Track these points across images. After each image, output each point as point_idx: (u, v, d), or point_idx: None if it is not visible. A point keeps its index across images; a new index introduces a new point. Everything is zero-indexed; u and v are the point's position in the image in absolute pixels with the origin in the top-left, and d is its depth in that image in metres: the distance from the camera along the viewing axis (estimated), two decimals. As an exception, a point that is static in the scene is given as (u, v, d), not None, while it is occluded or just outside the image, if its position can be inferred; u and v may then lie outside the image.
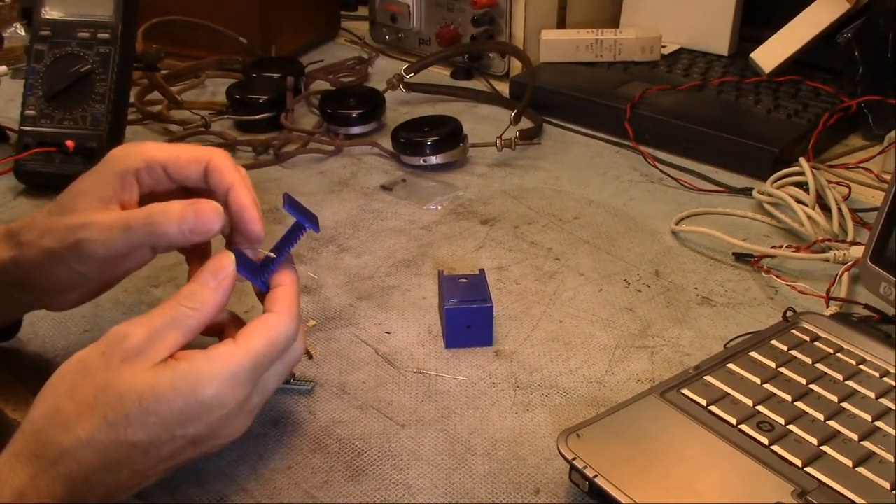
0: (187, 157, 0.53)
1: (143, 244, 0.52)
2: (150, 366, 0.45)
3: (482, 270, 0.64)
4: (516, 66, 1.08)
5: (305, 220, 0.53)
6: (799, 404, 0.51)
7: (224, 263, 0.49)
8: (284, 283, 0.51)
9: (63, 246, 0.51)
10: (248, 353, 0.46)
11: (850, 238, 0.73)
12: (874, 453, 0.47)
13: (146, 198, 0.54)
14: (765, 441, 0.48)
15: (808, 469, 0.46)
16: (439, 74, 1.14)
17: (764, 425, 0.49)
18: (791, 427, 0.49)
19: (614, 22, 1.17)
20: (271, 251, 0.53)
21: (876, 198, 0.81)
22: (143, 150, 0.53)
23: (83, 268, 0.52)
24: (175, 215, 0.50)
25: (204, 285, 0.48)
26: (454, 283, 0.63)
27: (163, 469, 0.46)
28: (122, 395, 0.43)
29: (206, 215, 0.50)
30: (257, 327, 0.48)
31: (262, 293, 0.52)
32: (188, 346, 0.47)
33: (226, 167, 0.53)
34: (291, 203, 0.52)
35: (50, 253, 0.52)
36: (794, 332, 0.57)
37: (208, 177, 0.53)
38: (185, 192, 0.54)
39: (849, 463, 0.46)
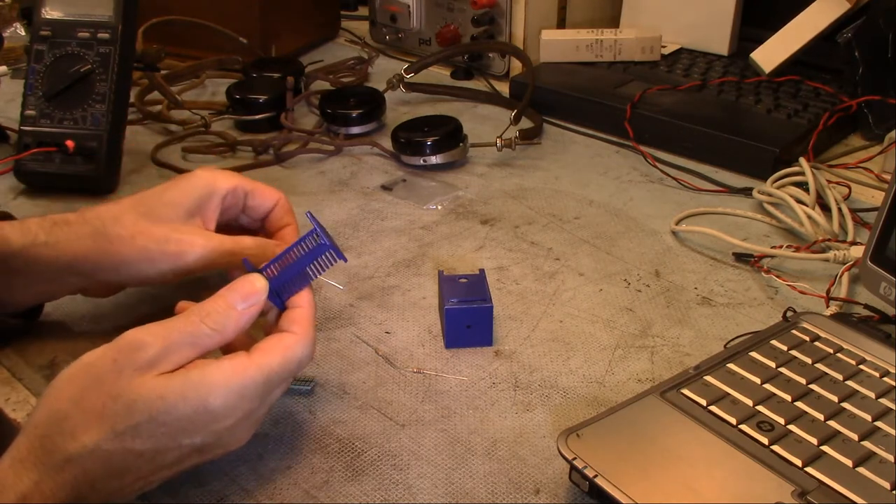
0: (268, 193, 0.61)
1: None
2: (159, 375, 0.45)
3: (482, 270, 0.64)
4: (516, 66, 1.08)
5: (329, 242, 0.52)
6: (799, 404, 0.51)
7: (257, 288, 0.49)
8: (302, 305, 0.51)
9: (162, 251, 0.55)
10: (262, 369, 0.47)
11: (850, 238, 0.73)
12: (874, 453, 0.47)
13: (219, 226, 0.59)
14: (765, 441, 0.48)
15: (808, 469, 0.46)
16: (439, 74, 1.14)
17: (764, 425, 0.49)
18: (791, 427, 0.49)
19: (614, 22, 1.17)
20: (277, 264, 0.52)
21: (876, 198, 0.81)
22: (233, 177, 0.60)
23: (169, 271, 0.57)
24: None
25: (231, 307, 0.48)
26: (454, 283, 0.63)
27: (166, 475, 0.46)
28: (131, 406, 0.43)
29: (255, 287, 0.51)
30: (274, 345, 0.48)
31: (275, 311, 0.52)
32: None
33: (290, 211, 0.62)
34: (317, 225, 0.52)
35: (144, 251, 0.55)
36: (794, 332, 0.57)
37: (276, 209, 0.61)
38: (241, 228, 0.62)
39: (849, 463, 0.46)
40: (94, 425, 0.43)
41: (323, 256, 0.52)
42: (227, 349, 0.50)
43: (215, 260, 0.57)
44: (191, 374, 0.45)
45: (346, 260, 0.53)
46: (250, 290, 0.49)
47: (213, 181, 0.59)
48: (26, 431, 0.44)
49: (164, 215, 0.56)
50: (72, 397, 0.44)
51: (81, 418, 0.43)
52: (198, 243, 0.56)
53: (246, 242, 0.58)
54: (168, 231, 0.56)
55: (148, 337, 0.45)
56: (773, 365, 0.54)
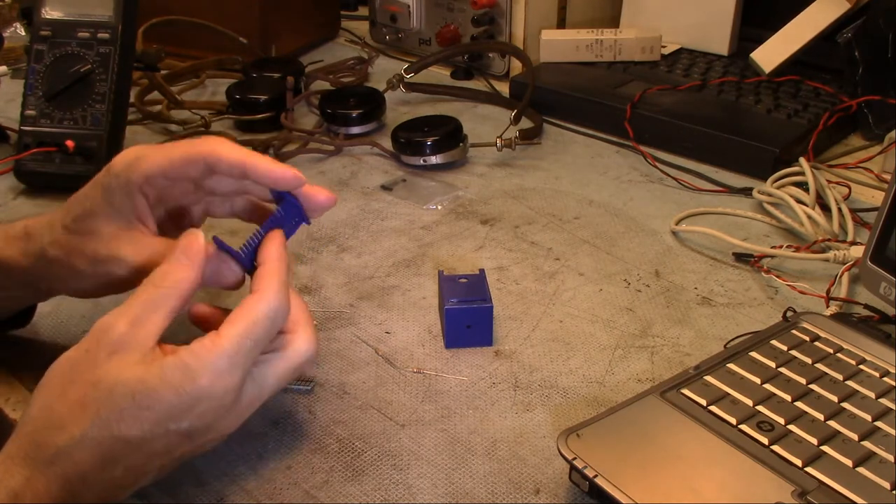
0: (180, 159, 0.52)
1: None
2: (138, 358, 0.45)
3: (482, 270, 0.64)
4: (516, 66, 1.08)
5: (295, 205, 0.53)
6: (799, 404, 0.51)
7: (192, 240, 0.49)
8: (268, 261, 0.50)
9: (94, 272, 0.53)
10: (231, 339, 0.46)
11: (850, 238, 0.73)
12: (874, 453, 0.47)
13: (166, 205, 0.55)
14: (765, 441, 0.48)
15: (808, 469, 0.46)
16: (439, 74, 1.14)
17: (764, 425, 0.49)
18: (791, 427, 0.49)
19: (614, 22, 1.17)
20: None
21: (876, 198, 0.81)
22: (139, 166, 0.51)
23: (112, 287, 0.54)
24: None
25: (176, 263, 0.48)
26: (454, 283, 0.63)
27: (158, 465, 0.46)
28: (113, 390, 0.44)
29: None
30: (237, 312, 0.47)
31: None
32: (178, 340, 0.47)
33: (226, 150, 0.52)
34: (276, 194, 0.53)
35: (80, 273, 0.53)
36: (794, 332, 0.57)
37: (214, 167, 0.52)
38: (202, 189, 0.56)
39: (849, 463, 0.46)
40: (79, 414, 0.43)
41: (284, 210, 0.52)
42: (206, 326, 0.50)
43: (152, 266, 0.51)
44: (167, 358, 0.45)
45: (308, 222, 0.53)
46: (187, 244, 0.49)
47: (124, 175, 0.51)
48: (17, 430, 0.44)
49: (94, 229, 0.52)
50: (56, 392, 0.44)
51: (66, 410, 0.43)
52: (124, 259, 0.52)
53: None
54: (96, 247, 0.52)
55: (113, 318, 0.45)
56: (773, 365, 0.54)
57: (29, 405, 0.45)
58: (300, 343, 0.50)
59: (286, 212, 0.53)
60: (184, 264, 0.48)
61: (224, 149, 0.52)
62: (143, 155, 0.52)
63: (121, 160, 0.52)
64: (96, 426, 0.43)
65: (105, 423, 0.43)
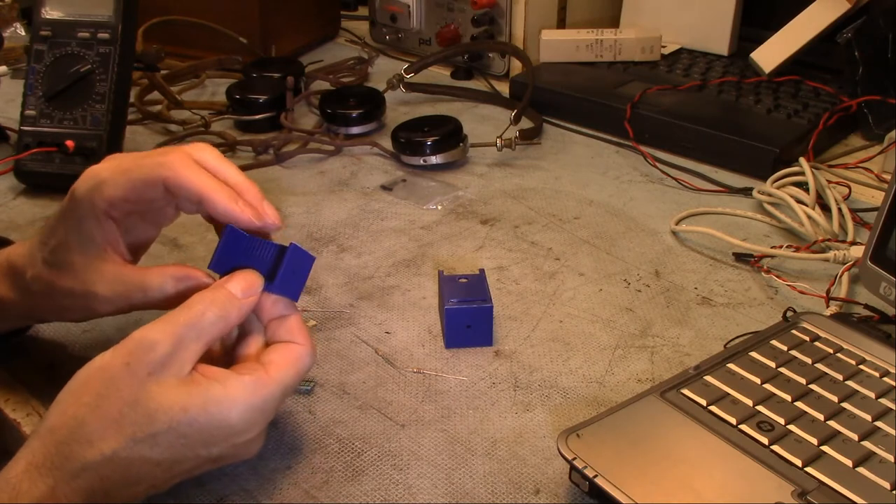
0: (141, 180, 0.50)
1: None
2: (177, 382, 0.44)
3: (482, 270, 0.64)
4: (516, 66, 1.08)
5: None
6: (799, 404, 0.51)
7: (255, 282, 0.49)
8: (292, 312, 0.51)
9: (74, 304, 0.52)
10: (280, 385, 0.47)
11: (850, 238, 0.73)
12: (874, 453, 0.47)
13: (137, 225, 0.54)
14: (765, 441, 0.48)
15: (808, 469, 0.46)
16: (439, 74, 1.14)
17: (764, 425, 0.49)
18: (791, 427, 0.49)
19: (614, 22, 1.17)
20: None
21: (876, 198, 0.81)
22: (102, 191, 0.50)
23: (95, 315, 0.54)
24: (158, 284, 0.51)
25: (233, 297, 0.48)
26: (454, 283, 0.63)
27: (178, 481, 0.46)
28: (152, 415, 0.43)
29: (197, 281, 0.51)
30: (287, 358, 0.48)
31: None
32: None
33: (187, 177, 0.49)
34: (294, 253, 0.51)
35: (64, 307, 0.53)
36: (794, 332, 0.57)
37: (172, 192, 0.50)
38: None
39: (849, 463, 0.46)
40: (112, 433, 0.43)
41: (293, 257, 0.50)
42: (207, 356, 0.48)
43: (128, 300, 0.51)
44: (213, 386, 0.45)
45: (313, 258, 0.52)
46: (251, 282, 0.49)
47: (89, 201, 0.50)
48: (41, 435, 0.43)
49: (70, 261, 0.51)
50: (88, 403, 0.43)
51: (98, 425, 0.43)
52: (100, 292, 0.51)
53: (157, 276, 0.51)
54: (72, 284, 0.51)
55: (156, 335, 0.45)
56: (773, 365, 0.54)
57: (54, 409, 0.44)
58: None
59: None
60: (239, 301, 0.48)
61: (186, 174, 0.49)
62: (104, 179, 0.50)
63: (82, 185, 0.51)
64: (129, 447, 0.43)
65: (138, 446, 0.43)
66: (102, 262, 0.51)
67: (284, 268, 0.49)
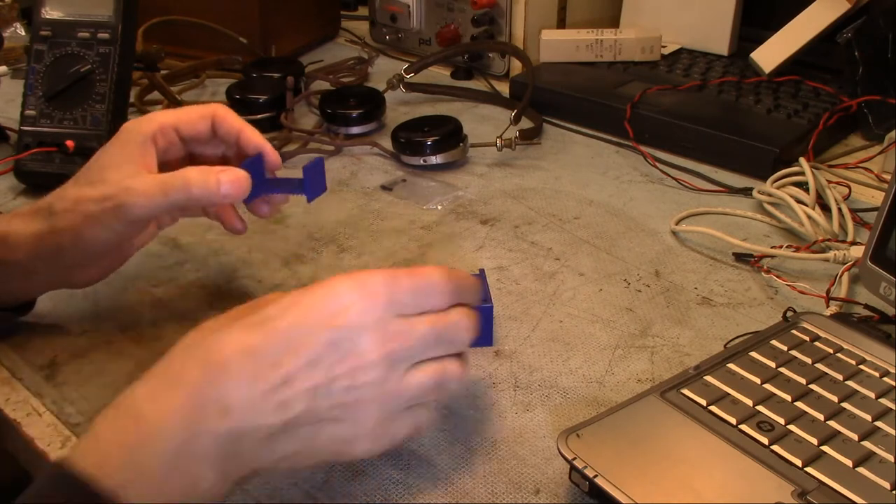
0: (195, 115, 0.60)
1: (179, 207, 0.58)
2: None
3: (482, 270, 0.64)
4: (516, 66, 1.08)
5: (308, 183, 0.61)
6: (799, 404, 0.51)
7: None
8: None
9: (103, 210, 0.55)
10: (383, 269, 0.47)
11: (850, 238, 0.73)
12: (874, 453, 0.47)
13: (161, 164, 0.59)
14: (765, 441, 0.48)
15: (808, 469, 0.46)
16: (439, 74, 1.14)
17: (764, 425, 0.49)
18: (791, 427, 0.49)
19: (614, 22, 1.17)
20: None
21: (876, 198, 0.81)
22: (154, 117, 0.59)
23: (122, 227, 0.56)
24: (213, 179, 0.56)
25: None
26: None
27: (305, 420, 0.44)
28: (257, 303, 0.46)
29: (240, 181, 0.56)
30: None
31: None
32: None
33: (230, 115, 0.61)
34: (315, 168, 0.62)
35: (89, 217, 0.56)
36: (794, 332, 0.57)
37: (217, 127, 0.60)
38: (192, 157, 0.62)
39: (849, 463, 0.46)
40: (231, 322, 0.44)
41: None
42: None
43: (161, 198, 0.55)
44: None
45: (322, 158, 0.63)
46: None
47: (137, 127, 0.58)
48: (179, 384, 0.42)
49: (103, 178, 0.56)
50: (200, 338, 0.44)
51: (219, 324, 0.44)
52: (134, 189, 0.55)
53: (188, 172, 0.56)
54: (105, 189, 0.55)
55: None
56: (773, 365, 0.54)
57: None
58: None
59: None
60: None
61: (228, 113, 0.61)
62: (159, 111, 0.61)
63: (135, 119, 0.59)
64: (245, 328, 0.44)
65: (255, 327, 0.44)
66: (136, 177, 0.56)
67: (305, 179, 0.60)
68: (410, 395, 0.46)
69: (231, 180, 0.56)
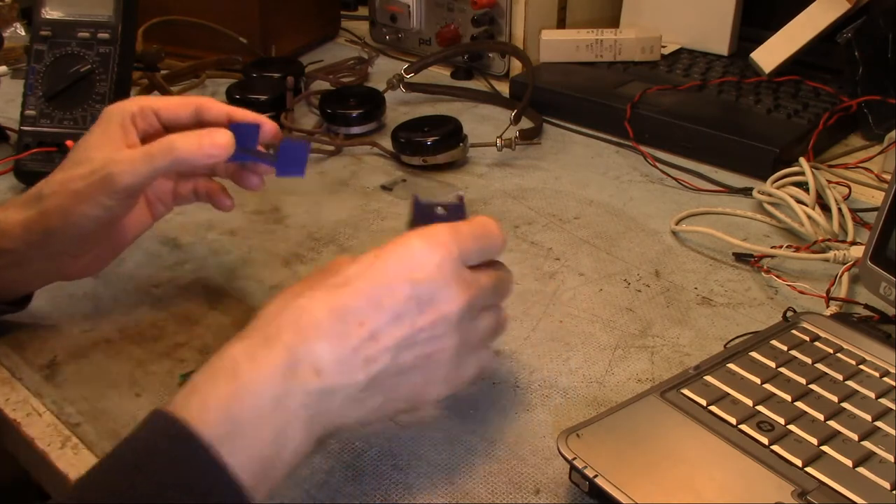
0: (176, 102, 0.60)
1: (165, 170, 0.56)
2: None
3: (461, 197, 0.55)
4: (516, 66, 1.08)
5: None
6: (799, 404, 0.51)
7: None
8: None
9: (89, 184, 0.55)
10: (447, 224, 0.49)
11: (850, 238, 0.73)
12: (874, 453, 0.47)
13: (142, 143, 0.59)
14: (765, 441, 0.48)
15: (808, 469, 0.46)
16: (439, 74, 1.14)
17: (764, 425, 0.49)
18: (791, 427, 0.49)
19: (614, 22, 1.17)
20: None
21: (876, 198, 0.81)
22: (135, 99, 0.59)
23: (110, 200, 0.56)
24: (194, 137, 0.55)
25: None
26: (431, 215, 0.53)
27: (387, 360, 0.46)
28: (329, 267, 0.48)
29: (221, 135, 0.56)
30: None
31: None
32: None
33: (218, 103, 0.60)
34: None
35: (76, 193, 0.56)
36: (794, 332, 0.57)
37: (204, 114, 0.60)
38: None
39: (849, 463, 0.46)
40: (314, 285, 0.46)
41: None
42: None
43: (146, 164, 0.55)
44: None
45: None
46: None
47: (117, 109, 0.58)
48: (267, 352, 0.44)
49: (89, 158, 0.56)
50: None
51: (303, 287, 0.46)
52: (118, 159, 0.55)
53: (172, 136, 0.56)
54: (90, 166, 0.56)
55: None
56: (773, 365, 0.54)
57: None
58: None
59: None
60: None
61: (215, 102, 0.61)
62: (143, 96, 0.61)
63: (116, 104, 0.59)
64: (327, 289, 0.46)
65: (336, 287, 0.46)
66: (120, 151, 0.56)
67: (280, 152, 0.61)
68: (479, 338, 0.50)
69: (214, 139, 0.56)
